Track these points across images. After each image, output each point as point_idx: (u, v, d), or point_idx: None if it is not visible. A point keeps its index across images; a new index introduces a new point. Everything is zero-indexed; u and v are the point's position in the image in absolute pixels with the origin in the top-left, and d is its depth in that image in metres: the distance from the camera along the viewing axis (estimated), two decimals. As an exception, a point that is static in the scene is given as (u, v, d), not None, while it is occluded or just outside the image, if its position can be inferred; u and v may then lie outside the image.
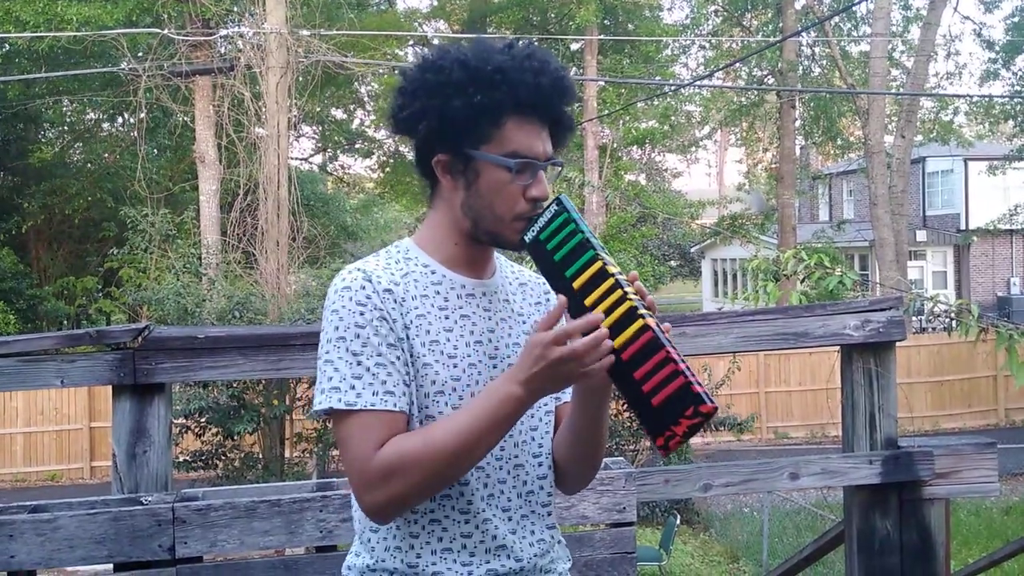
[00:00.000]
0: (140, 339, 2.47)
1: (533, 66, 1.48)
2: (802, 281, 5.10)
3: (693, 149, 32.03)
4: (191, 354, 2.50)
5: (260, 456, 10.39)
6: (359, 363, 1.42)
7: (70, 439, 15.18)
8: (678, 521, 9.69)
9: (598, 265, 1.36)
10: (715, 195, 33.96)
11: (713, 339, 2.78)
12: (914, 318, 18.40)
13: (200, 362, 2.51)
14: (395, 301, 1.46)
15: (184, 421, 9.85)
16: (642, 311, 1.33)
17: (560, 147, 1.57)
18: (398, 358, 1.45)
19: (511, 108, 1.46)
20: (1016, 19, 22.82)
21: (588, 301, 1.35)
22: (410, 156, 1.69)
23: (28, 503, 2.43)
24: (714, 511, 12.08)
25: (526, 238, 1.47)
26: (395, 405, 1.43)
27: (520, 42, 1.55)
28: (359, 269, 1.49)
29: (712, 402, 1.29)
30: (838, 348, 2.94)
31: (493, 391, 1.39)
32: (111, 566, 2.37)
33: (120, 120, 22.07)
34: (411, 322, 1.47)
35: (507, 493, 1.53)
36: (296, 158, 23.48)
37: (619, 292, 1.34)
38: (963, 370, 16.90)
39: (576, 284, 1.37)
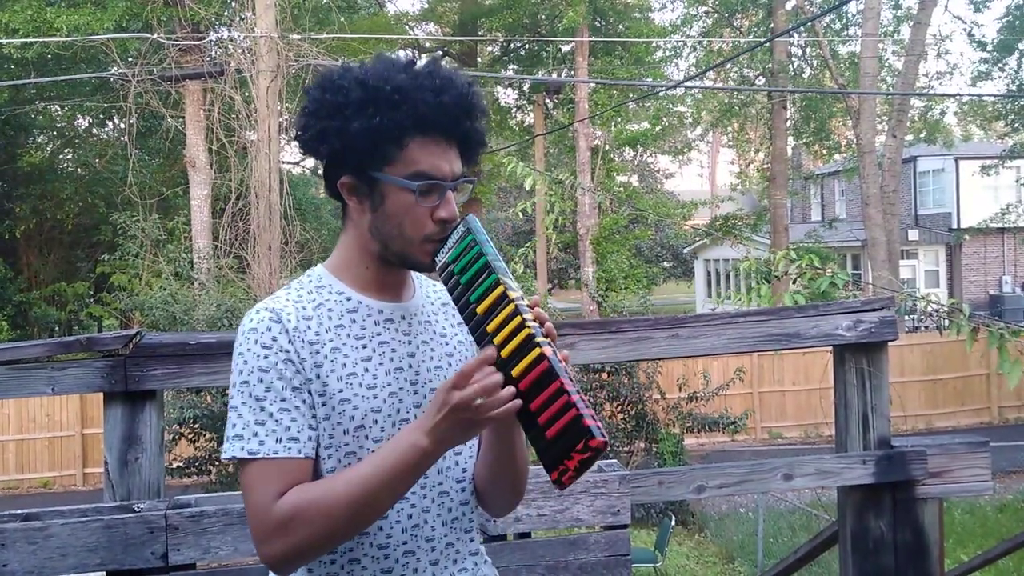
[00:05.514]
0: (131, 346, 2.46)
1: (435, 84, 1.43)
2: (794, 282, 5.12)
3: (685, 151, 32.06)
4: (183, 360, 2.49)
5: (254, 462, 10.32)
6: (262, 408, 1.38)
7: (62, 446, 15.11)
8: (673, 522, 9.69)
9: (500, 290, 1.34)
10: (707, 196, 34.01)
11: (706, 340, 2.78)
12: (906, 317, 18.44)
13: (192, 368, 2.49)
14: (304, 340, 1.41)
15: (178, 428, 9.82)
16: (539, 339, 1.30)
17: (472, 163, 1.52)
18: (304, 402, 1.40)
19: (413, 128, 1.41)
20: (1008, 19, 22.91)
21: (490, 327, 1.33)
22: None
23: (20, 511, 2.42)
24: (709, 512, 12.09)
25: (436, 261, 1.45)
26: (299, 452, 1.38)
27: (425, 60, 1.50)
28: (267, 308, 1.43)
29: (603, 436, 1.26)
30: (831, 348, 2.94)
31: (398, 441, 1.35)
32: (104, 574, 2.36)
33: (110, 125, 22.01)
34: (324, 358, 1.42)
35: (431, 522, 1.48)
36: (287, 162, 23.40)
37: (519, 319, 1.31)
38: (956, 369, 16.90)
39: (479, 309, 1.36)
